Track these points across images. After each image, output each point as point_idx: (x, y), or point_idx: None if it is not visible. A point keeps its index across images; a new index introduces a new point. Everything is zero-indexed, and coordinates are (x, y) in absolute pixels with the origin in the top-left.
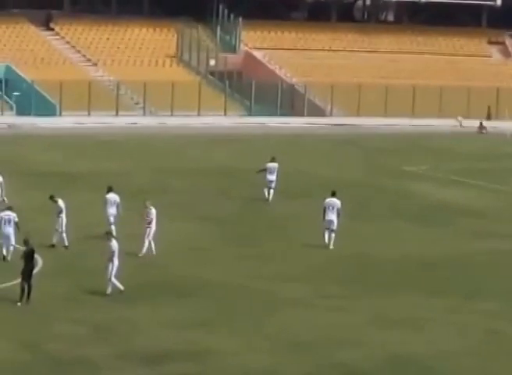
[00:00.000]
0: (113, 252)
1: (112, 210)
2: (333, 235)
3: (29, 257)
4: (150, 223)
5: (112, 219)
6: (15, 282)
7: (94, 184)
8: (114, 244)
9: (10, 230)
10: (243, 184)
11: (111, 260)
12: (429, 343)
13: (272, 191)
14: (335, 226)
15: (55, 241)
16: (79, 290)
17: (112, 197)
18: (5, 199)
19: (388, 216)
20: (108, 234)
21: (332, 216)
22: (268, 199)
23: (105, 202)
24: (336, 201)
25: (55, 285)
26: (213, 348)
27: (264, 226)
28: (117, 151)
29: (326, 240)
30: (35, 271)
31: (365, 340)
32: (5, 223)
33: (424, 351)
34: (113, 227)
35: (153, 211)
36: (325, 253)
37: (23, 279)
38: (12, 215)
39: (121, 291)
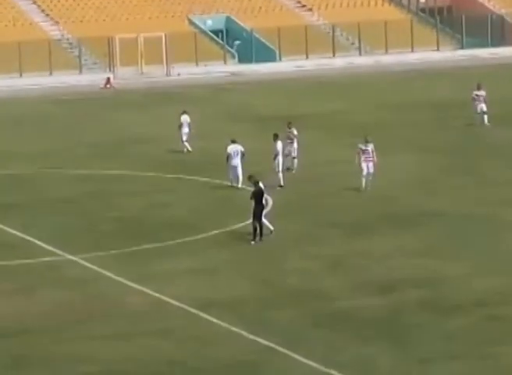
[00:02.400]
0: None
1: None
2: None
3: (258, 197)
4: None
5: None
6: (247, 222)
7: (317, 124)
8: (261, 185)
9: (238, 161)
10: (460, 115)
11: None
12: None
13: (485, 116)
14: None
15: (282, 181)
16: (310, 226)
17: (235, 148)
18: (187, 146)
19: None
20: (251, 178)
21: None
22: (481, 124)
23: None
24: None
25: (287, 223)
26: (444, 274)
27: (485, 153)
28: (336, 91)
29: None
30: (266, 211)
31: None
32: (233, 156)
33: None
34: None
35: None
36: None
37: (254, 219)
38: (238, 147)
39: (271, 231)
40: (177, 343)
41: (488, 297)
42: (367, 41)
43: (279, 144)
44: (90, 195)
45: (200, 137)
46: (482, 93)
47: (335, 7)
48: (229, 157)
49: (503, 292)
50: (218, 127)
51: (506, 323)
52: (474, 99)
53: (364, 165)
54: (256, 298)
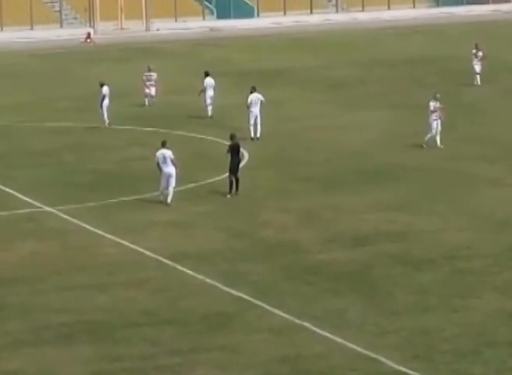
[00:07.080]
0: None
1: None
2: None
3: (235, 151)
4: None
5: None
6: (223, 176)
7: (293, 79)
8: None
9: (171, 169)
10: (433, 72)
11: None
12: None
13: (477, 76)
14: None
15: (252, 134)
16: (285, 180)
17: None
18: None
19: None
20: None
21: None
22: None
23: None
24: None
25: (261, 177)
26: (415, 228)
27: (460, 111)
28: (313, 48)
29: None
30: (241, 164)
31: None
32: (163, 163)
33: None
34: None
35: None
36: None
37: (230, 172)
38: (167, 153)
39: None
40: (152, 294)
41: (458, 251)
42: None
43: (250, 97)
44: (67, 148)
45: (177, 92)
46: (479, 53)
47: None
48: None
49: (472, 246)
50: (195, 82)
51: (475, 277)
52: (473, 59)
53: (434, 123)
54: (230, 250)
